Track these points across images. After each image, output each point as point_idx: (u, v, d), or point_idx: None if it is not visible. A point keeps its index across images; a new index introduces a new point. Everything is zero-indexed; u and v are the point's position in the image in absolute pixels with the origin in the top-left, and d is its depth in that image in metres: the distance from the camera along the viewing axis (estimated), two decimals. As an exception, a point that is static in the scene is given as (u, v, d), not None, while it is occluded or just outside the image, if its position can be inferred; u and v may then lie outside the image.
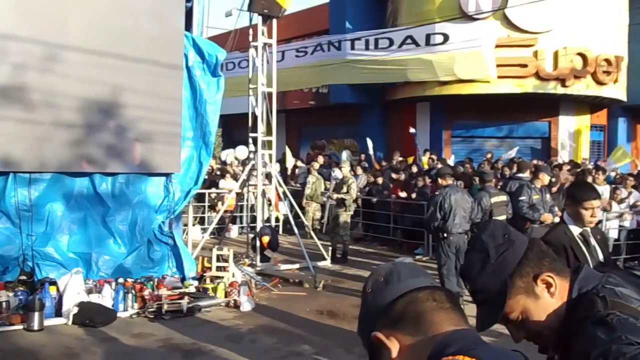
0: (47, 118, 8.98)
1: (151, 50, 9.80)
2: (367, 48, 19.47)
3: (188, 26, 10.62)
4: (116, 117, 9.60)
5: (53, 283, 8.44)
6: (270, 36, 12.50)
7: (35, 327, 7.69)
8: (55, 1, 9.06)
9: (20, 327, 7.74)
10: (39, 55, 8.83)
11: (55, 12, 9.02)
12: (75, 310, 8.05)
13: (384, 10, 22.65)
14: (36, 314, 7.71)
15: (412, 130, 19.98)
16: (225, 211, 14.29)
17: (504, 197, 9.97)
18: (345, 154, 19.93)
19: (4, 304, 8.04)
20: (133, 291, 8.82)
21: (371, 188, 16.30)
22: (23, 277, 8.84)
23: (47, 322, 7.87)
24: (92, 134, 9.40)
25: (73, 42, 9.06)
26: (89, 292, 8.55)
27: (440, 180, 9.47)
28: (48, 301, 8.09)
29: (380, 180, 16.12)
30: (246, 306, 9.09)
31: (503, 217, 9.65)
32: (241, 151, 18.57)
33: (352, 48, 19.69)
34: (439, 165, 14.23)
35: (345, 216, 13.33)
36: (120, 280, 8.97)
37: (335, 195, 13.71)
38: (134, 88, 9.62)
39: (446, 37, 18.23)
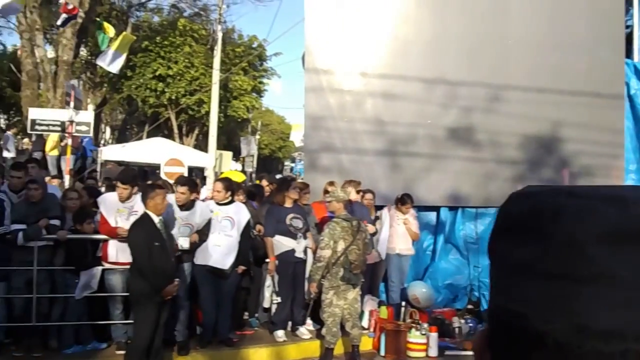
0: (491, 156, 9.48)
1: (589, 82, 9.62)
2: None
3: (628, 53, 10.12)
4: (556, 152, 9.64)
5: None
6: None
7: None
8: (499, 45, 9.57)
9: (471, 353, 8.15)
10: (484, 97, 9.43)
11: (499, 55, 9.55)
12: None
13: None
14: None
15: None
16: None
17: None
18: None
19: (456, 329, 8.63)
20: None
21: None
22: (470, 306, 9.40)
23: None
24: (533, 170, 9.58)
25: (515, 82, 9.44)
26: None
27: None
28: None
29: None
30: None
31: None
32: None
33: None
34: None
35: None
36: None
37: None
38: (572, 122, 9.54)
39: None
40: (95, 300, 6.89)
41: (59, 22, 14.23)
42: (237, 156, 32.58)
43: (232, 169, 23.10)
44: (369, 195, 8.70)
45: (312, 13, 9.36)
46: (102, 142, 30.77)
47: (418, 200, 9.15)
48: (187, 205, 7.06)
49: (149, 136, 26.95)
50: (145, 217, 6.14)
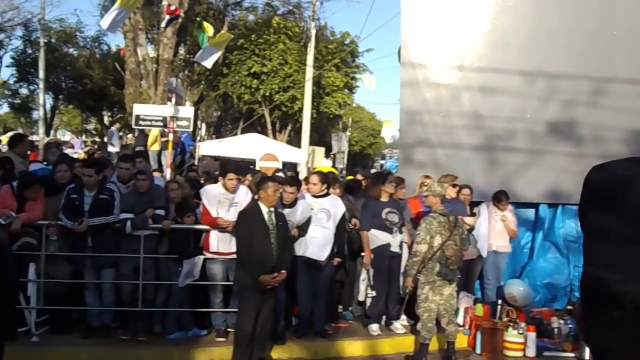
0: (593, 151, 9.08)
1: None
2: None
3: None
4: (664, 147, 9.16)
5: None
6: None
7: (586, 357, 7.75)
8: (603, 36, 9.19)
9: (571, 354, 7.90)
10: (586, 91, 9.09)
11: (604, 47, 9.17)
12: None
13: None
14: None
15: None
16: None
17: None
18: None
19: (556, 330, 8.36)
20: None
21: None
22: (569, 307, 9.08)
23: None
24: (639, 166, 9.15)
25: (620, 75, 9.05)
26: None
27: None
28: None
29: None
30: None
31: None
32: None
33: None
34: None
35: None
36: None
37: None
38: (683, 116, 9.05)
39: None
40: (196, 288, 7.15)
41: (162, 24, 14.80)
42: (328, 153, 32.84)
43: (324, 165, 23.30)
44: (465, 191, 8.57)
45: (409, 6, 9.30)
46: (199, 138, 31.74)
47: (516, 196, 8.93)
48: (290, 203, 7.20)
49: (243, 132, 27.62)
50: (252, 208, 6.31)
